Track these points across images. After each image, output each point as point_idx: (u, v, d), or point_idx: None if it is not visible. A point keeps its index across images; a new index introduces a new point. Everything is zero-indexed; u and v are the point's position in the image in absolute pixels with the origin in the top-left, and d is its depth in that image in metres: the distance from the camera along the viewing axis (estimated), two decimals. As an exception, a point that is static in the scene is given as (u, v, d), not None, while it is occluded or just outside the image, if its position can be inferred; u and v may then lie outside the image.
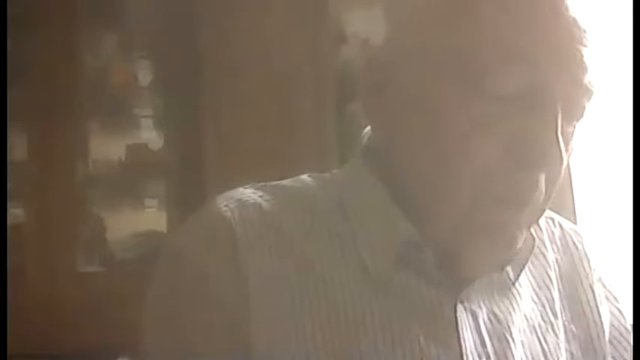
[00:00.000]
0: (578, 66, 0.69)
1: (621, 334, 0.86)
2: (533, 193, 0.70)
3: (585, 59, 0.69)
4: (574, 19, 0.70)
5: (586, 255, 0.87)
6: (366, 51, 0.78)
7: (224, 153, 1.95)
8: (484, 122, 0.69)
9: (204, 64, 2.00)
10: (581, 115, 0.72)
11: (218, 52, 1.99)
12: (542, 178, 0.70)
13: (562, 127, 0.69)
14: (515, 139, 0.69)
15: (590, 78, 0.70)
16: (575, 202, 1.83)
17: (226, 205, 0.74)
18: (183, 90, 2.07)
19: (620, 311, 0.87)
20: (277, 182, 0.79)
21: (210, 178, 1.93)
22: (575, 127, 0.73)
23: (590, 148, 1.82)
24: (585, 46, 0.70)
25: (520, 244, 0.74)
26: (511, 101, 0.69)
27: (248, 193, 0.76)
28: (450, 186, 0.70)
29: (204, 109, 2.00)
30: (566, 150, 0.71)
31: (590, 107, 0.73)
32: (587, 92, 0.71)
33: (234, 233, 0.72)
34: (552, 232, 0.86)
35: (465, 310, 0.74)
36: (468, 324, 0.74)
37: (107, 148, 2.15)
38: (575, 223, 1.78)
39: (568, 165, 1.45)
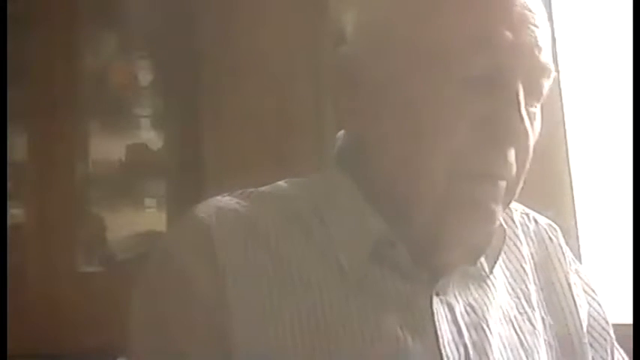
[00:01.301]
0: (533, 46, 0.73)
1: (600, 325, 0.88)
2: (505, 168, 0.73)
3: (539, 40, 0.73)
4: (525, 3, 0.74)
5: (561, 248, 0.90)
6: (336, 51, 0.80)
7: (224, 153, 1.95)
8: (453, 105, 0.72)
9: (204, 64, 2.00)
10: (542, 94, 0.76)
11: (218, 52, 1.99)
12: (512, 153, 0.73)
13: (525, 105, 0.73)
14: (482, 118, 0.72)
15: (546, 57, 0.74)
16: (575, 202, 1.83)
17: (205, 212, 0.77)
18: (183, 90, 2.08)
19: (598, 303, 0.90)
20: (254, 189, 0.82)
21: (209, 178, 1.93)
22: (537, 108, 0.76)
23: (590, 148, 1.82)
24: (537, 27, 0.74)
25: (498, 220, 0.76)
26: (476, 83, 0.72)
27: (226, 200, 0.79)
28: (426, 169, 0.73)
29: (204, 109, 2.01)
30: (532, 129, 0.75)
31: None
32: (545, 71, 0.75)
33: (212, 236, 0.74)
34: (527, 227, 0.89)
35: (442, 302, 0.76)
36: (444, 315, 0.76)
37: (107, 148, 2.15)
38: (575, 223, 1.79)
39: (568, 165, 1.46)
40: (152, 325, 0.74)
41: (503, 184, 0.74)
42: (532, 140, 0.75)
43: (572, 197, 1.83)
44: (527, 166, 0.76)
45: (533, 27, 0.73)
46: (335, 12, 2.05)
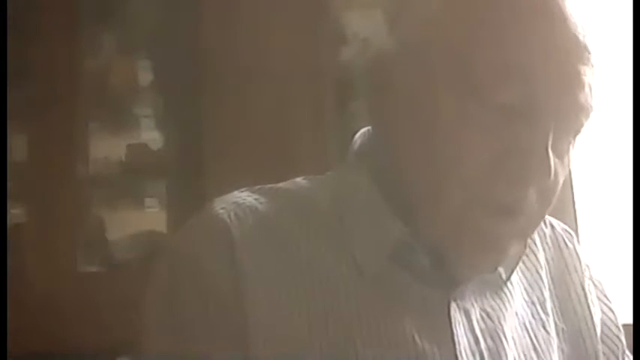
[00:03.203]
0: (575, 84, 0.70)
1: (612, 332, 0.88)
2: (524, 205, 0.71)
3: (584, 77, 0.70)
4: (575, 37, 0.71)
5: (577, 254, 0.89)
6: (373, 51, 0.79)
7: (224, 153, 1.95)
8: (478, 129, 0.70)
9: (204, 64, 2.00)
10: (578, 132, 0.73)
11: (218, 51, 1.99)
12: (533, 190, 0.71)
13: (555, 142, 0.71)
14: (506, 150, 0.70)
15: (587, 96, 0.71)
16: (576, 202, 1.83)
17: (223, 208, 0.75)
18: (183, 90, 2.07)
19: (611, 310, 0.89)
20: (272, 185, 0.81)
21: (210, 178, 1.93)
22: (571, 142, 0.74)
23: (590, 149, 1.82)
24: (585, 64, 0.71)
25: (510, 252, 0.75)
26: (506, 112, 0.70)
27: (244, 196, 0.78)
28: (442, 190, 0.71)
29: (204, 109, 2.00)
30: (562, 164, 0.72)
31: (590, 121, 0.74)
32: (584, 110, 0.72)
33: (231, 234, 0.73)
34: (543, 232, 0.88)
35: (459, 308, 0.76)
36: (461, 322, 0.75)
37: (107, 148, 2.15)
38: (575, 224, 1.79)
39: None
40: (169, 326, 0.73)
41: (519, 220, 0.72)
42: (561, 177, 0.73)
43: (572, 197, 1.83)
44: (553, 201, 0.74)
45: (578, 63, 0.70)
46: (335, 12, 2.05)
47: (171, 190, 2.15)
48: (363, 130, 0.83)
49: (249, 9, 1.97)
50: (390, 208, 0.76)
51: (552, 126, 0.70)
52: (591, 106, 0.72)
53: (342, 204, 0.78)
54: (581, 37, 0.71)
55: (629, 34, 1.44)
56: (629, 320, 1.03)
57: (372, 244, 0.75)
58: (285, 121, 1.95)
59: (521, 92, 0.70)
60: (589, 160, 1.84)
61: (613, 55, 1.72)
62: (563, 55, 0.70)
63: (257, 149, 1.92)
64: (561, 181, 0.74)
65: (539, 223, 0.76)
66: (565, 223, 0.93)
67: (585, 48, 0.71)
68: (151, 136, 2.18)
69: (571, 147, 0.74)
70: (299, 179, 0.82)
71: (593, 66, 0.72)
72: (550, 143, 0.70)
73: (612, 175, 1.82)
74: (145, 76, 2.16)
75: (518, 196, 0.71)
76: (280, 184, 0.81)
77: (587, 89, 0.71)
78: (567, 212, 1.78)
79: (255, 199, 0.77)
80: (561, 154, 0.72)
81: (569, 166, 0.75)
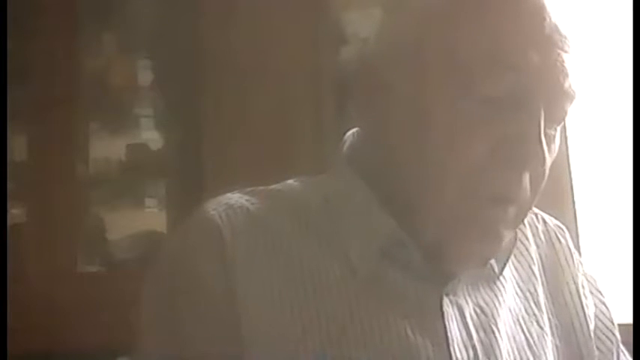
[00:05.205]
0: (559, 72, 0.72)
1: (606, 326, 0.88)
2: (518, 192, 0.73)
3: (566, 65, 0.72)
4: (556, 26, 0.72)
5: (569, 250, 0.90)
6: (360, 52, 0.80)
7: (224, 153, 1.95)
8: (471, 122, 0.71)
9: (204, 64, 2.00)
10: (562, 119, 0.75)
11: (218, 51, 1.99)
12: (527, 177, 0.73)
13: (544, 129, 0.72)
14: (500, 140, 0.71)
15: (571, 83, 0.73)
16: (575, 202, 1.83)
17: (214, 210, 0.77)
18: (183, 90, 2.08)
19: (604, 304, 0.90)
20: (264, 187, 0.82)
21: (210, 178, 1.93)
22: (556, 131, 0.76)
23: (590, 148, 1.82)
24: (566, 52, 0.73)
25: (506, 241, 0.76)
26: (497, 103, 0.71)
27: (235, 197, 0.79)
28: (438, 183, 0.73)
29: (204, 109, 2.00)
30: (549, 152, 0.74)
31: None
32: (569, 97, 0.74)
33: (222, 235, 0.74)
34: (536, 228, 0.89)
35: (451, 302, 0.76)
36: (454, 316, 0.76)
37: (107, 148, 2.15)
38: (575, 223, 1.79)
39: (568, 165, 1.45)
40: (165, 327, 0.74)
41: (514, 207, 0.74)
42: (549, 164, 0.74)
43: (572, 197, 1.83)
44: (541, 189, 0.76)
45: (560, 51, 0.72)
46: (335, 12, 2.05)
47: (171, 190, 2.16)
48: (351, 131, 0.84)
49: (248, 9, 1.97)
50: (382, 206, 0.76)
51: (542, 113, 0.72)
52: (575, 92, 0.74)
53: (333, 204, 0.79)
54: (560, 25, 0.73)
55: (629, 33, 1.44)
56: (629, 320, 1.03)
57: (364, 243, 0.76)
58: (285, 121, 1.95)
59: (511, 83, 0.71)
60: (589, 160, 1.85)
61: (613, 54, 1.72)
62: (547, 43, 0.72)
63: (256, 149, 1.92)
64: (549, 168, 0.75)
65: (530, 209, 0.77)
66: (564, 223, 0.93)
67: (563, 35, 0.73)
68: (151, 136, 2.19)
69: (557, 134, 0.76)
70: (290, 181, 0.84)
71: (573, 53, 0.73)
72: (542, 130, 0.71)
73: (612, 174, 1.82)
74: (145, 76, 2.17)
75: (512, 184, 0.72)
76: (272, 186, 0.82)
77: (570, 76, 0.73)
78: (567, 211, 1.78)
79: (247, 200, 0.78)
80: (549, 141, 0.74)
81: (555, 153, 0.76)
